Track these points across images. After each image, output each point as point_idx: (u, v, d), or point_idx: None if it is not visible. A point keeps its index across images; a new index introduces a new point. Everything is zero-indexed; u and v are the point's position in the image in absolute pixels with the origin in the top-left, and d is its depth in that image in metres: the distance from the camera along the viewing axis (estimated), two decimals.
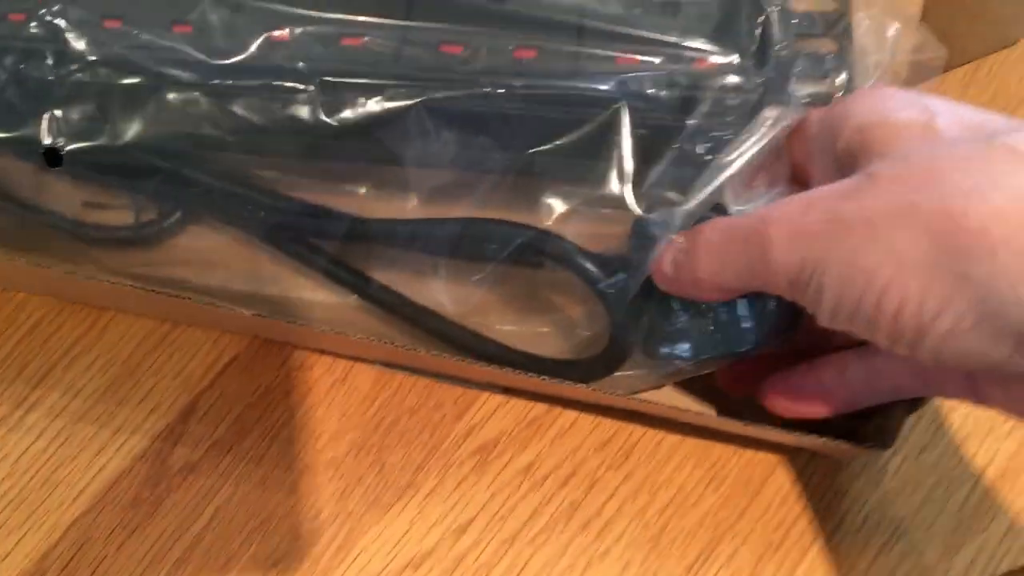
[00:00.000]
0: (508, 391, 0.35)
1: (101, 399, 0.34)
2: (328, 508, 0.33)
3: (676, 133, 0.29)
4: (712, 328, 0.29)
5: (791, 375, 0.30)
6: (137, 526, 0.32)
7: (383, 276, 0.33)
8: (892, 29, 0.29)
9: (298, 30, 0.30)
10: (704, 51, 0.29)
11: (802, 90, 0.29)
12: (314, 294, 0.34)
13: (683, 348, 0.29)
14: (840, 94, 0.29)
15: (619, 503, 0.33)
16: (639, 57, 0.29)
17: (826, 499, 0.33)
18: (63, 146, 0.31)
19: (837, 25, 0.30)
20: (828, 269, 0.23)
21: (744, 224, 0.26)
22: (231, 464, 0.33)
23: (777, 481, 0.34)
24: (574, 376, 0.31)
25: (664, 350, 0.29)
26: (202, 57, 0.30)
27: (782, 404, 0.30)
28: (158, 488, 0.33)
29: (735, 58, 0.29)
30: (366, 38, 0.30)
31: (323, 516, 0.33)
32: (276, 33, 0.30)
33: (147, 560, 0.32)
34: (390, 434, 0.34)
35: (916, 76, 0.29)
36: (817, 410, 0.30)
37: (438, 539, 0.32)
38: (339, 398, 0.35)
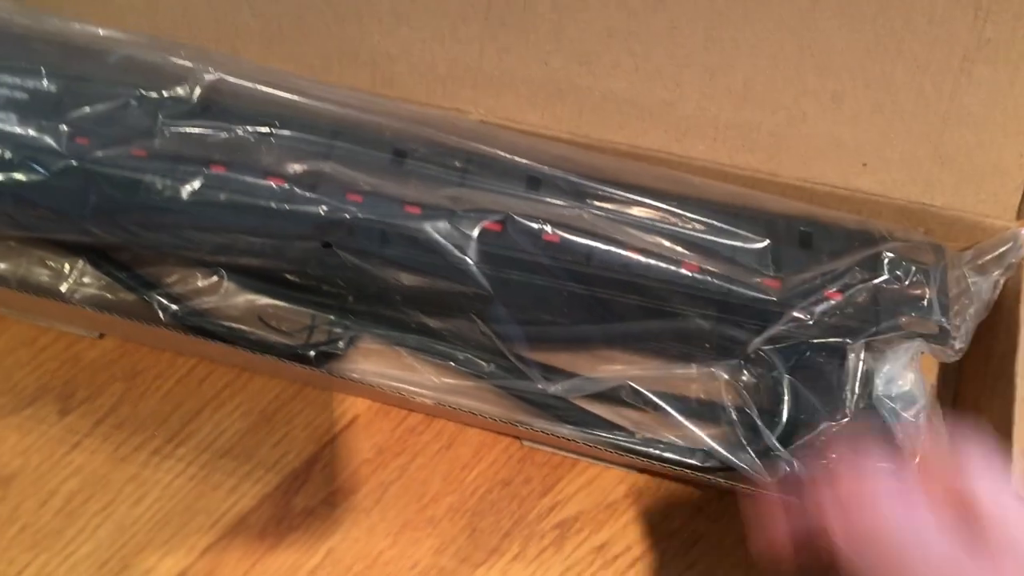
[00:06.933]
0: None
1: (241, 440, 0.40)
2: (425, 561, 0.38)
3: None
4: None
5: None
6: (260, 557, 0.38)
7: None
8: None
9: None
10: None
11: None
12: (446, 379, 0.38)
13: None
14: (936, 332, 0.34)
15: None
16: None
17: None
18: None
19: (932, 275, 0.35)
20: None
21: None
22: (344, 511, 0.39)
23: None
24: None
25: None
26: None
27: None
28: (281, 525, 0.38)
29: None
30: None
31: (420, 567, 0.37)
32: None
33: None
34: (484, 501, 0.39)
35: None
36: None
37: None
38: (443, 463, 0.39)
